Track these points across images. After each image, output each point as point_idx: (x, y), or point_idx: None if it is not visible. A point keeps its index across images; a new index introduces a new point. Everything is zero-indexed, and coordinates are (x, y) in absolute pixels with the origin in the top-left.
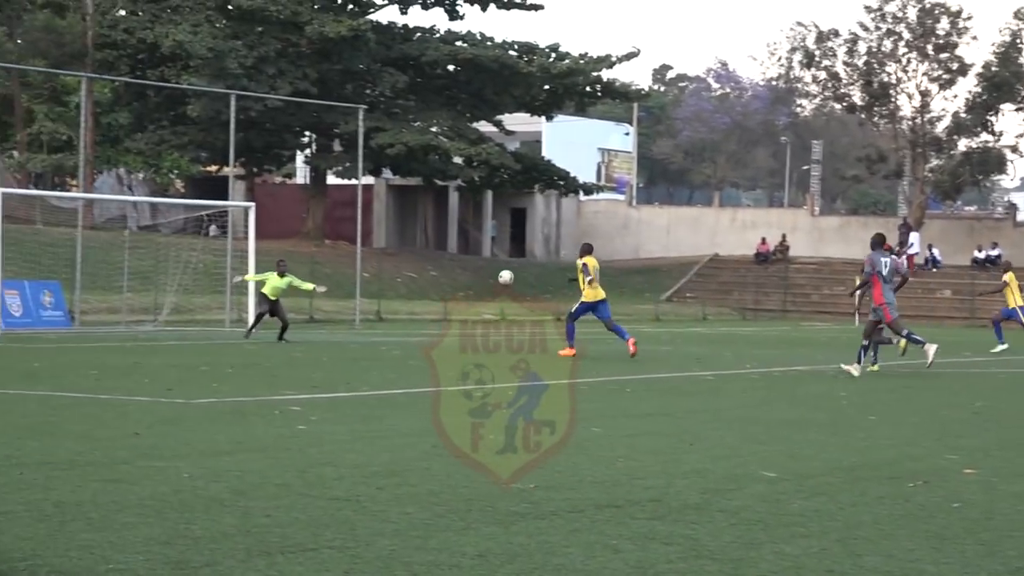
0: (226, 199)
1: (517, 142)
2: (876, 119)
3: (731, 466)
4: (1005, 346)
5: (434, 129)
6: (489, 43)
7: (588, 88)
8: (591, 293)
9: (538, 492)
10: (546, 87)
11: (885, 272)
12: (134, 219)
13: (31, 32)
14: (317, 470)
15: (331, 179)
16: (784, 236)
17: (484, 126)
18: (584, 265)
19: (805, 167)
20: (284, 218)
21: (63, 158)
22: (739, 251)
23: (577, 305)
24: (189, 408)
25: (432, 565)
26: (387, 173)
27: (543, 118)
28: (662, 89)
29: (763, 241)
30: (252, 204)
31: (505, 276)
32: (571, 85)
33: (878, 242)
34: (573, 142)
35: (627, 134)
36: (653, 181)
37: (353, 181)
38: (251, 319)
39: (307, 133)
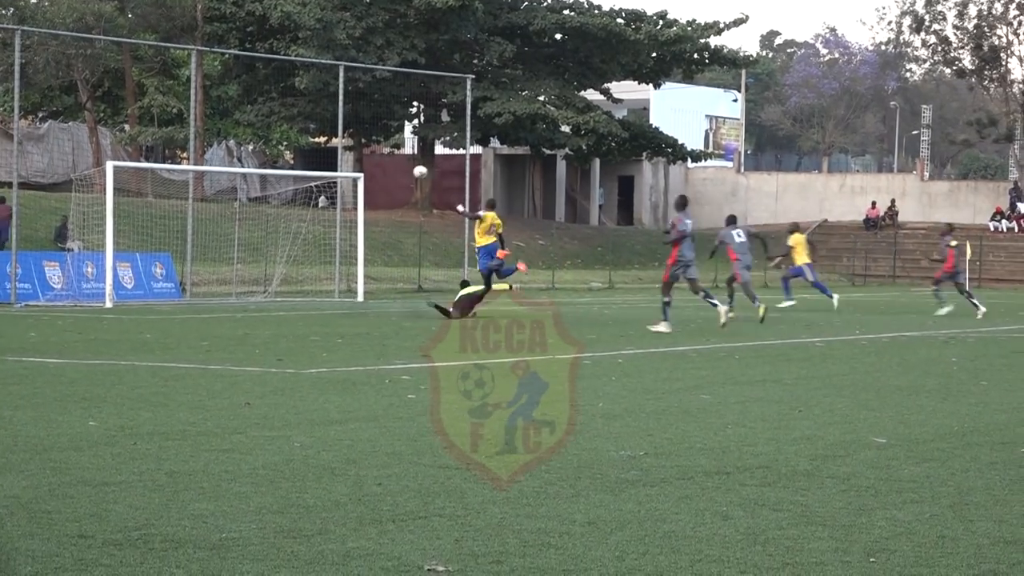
0: (335, 170)
1: (625, 110)
2: (986, 83)
3: (841, 432)
4: (793, 302)
5: (541, 98)
6: (596, 11)
7: (696, 55)
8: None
9: (647, 459)
10: (654, 54)
11: (738, 242)
12: (244, 191)
13: (141, 6)
14: (427, 439)
15: (439, 149)
16: (893, 201)
17: (592, 94)
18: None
19: (914, 132)
20: (392, 189)
21: (173, 131)
22: (848, 217)
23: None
24: (299, 378)
25: (542, 532)
26: (495, 142)
27: (651, 86)
28: (770, 55)
29: (873, 205)
30: (361, 175)
31: (417, 171)
32: (679, 52)
33: (681, 204)
34: (681, 109)
35: (735, 101)
36: (761, 148)
37: (461, 151)
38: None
39: (415, 103)
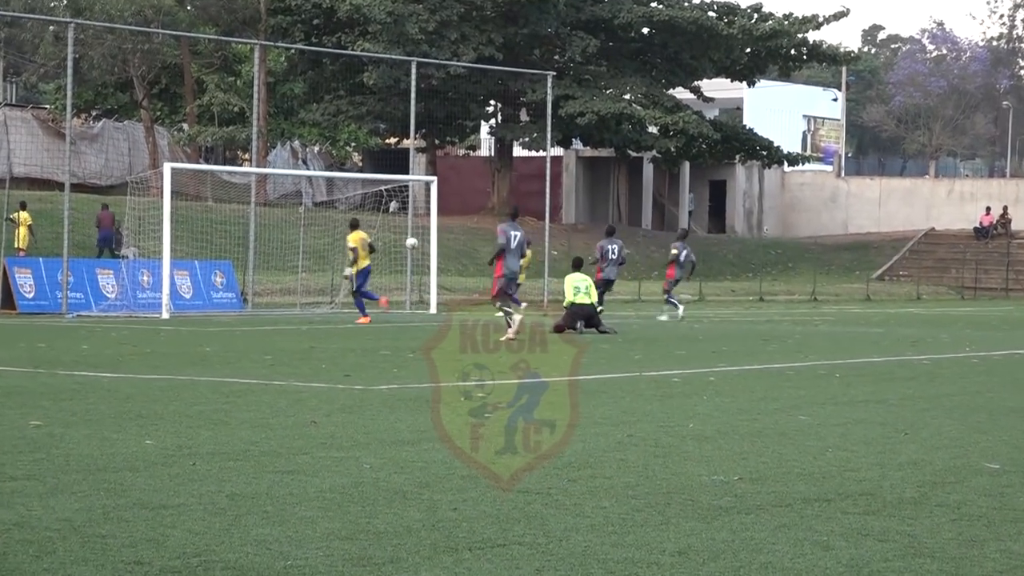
0: (406, 173)
1: (716, 110)
2: None
3: (951, 457)
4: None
5: (627, 96)
6: (686, 4)
7: (793, 51)
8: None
9: (742, 485)
10: (748, 50)
11: (514, 245)
12: (309, 195)
13: None
14: (506, 461)
15: (517, 151)
16: (1006, 209)
17: (681, 93)
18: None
19: None
20: (467, 193)
21: (235, 131)
22: (956, 225)
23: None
24: (369, 395)
25: (629, 563)
26: (577, 144)
27: (744, 84)
28: (873, 51)
29: (987, 211)
30: (434, 178)
31: (409, 243)
32: (774, 48)
33: (511, 214)
34: (776, 109)
35: (835, 100)
36: (863, 150)
37: (541, 153)
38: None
39: (492, 102)
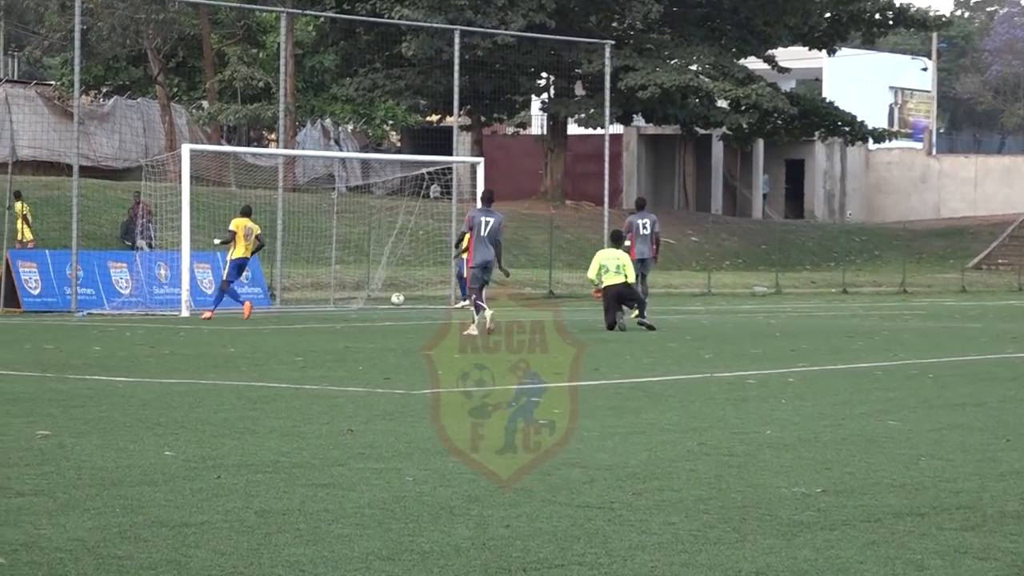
0: (449, 153)
1: (793, 81)
2: None
3: None
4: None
5: (694, 67)
6: None
7: (878, 15)
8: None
9: (825, 497)
10: (827, 15)
11: (484, 232)
12: (343, 179)
13: None
14: (563, 472)
15: (572, 128)
16: None
17: (753, 63)
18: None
19: None
20: (517, 175)
21: (259, 108)
22: None
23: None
24: (411, 400)
25: None
26: (639, 120)
27: (824, 52)
28: (966, 15)
29: None
30: (480, 159)
31: (395, 298)
32: (857, 12)
33: (485, 198)
34: (860, 80)
35: (924, 70)
36: (957, 125)
37: (599, 130)
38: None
39: (544, 74)
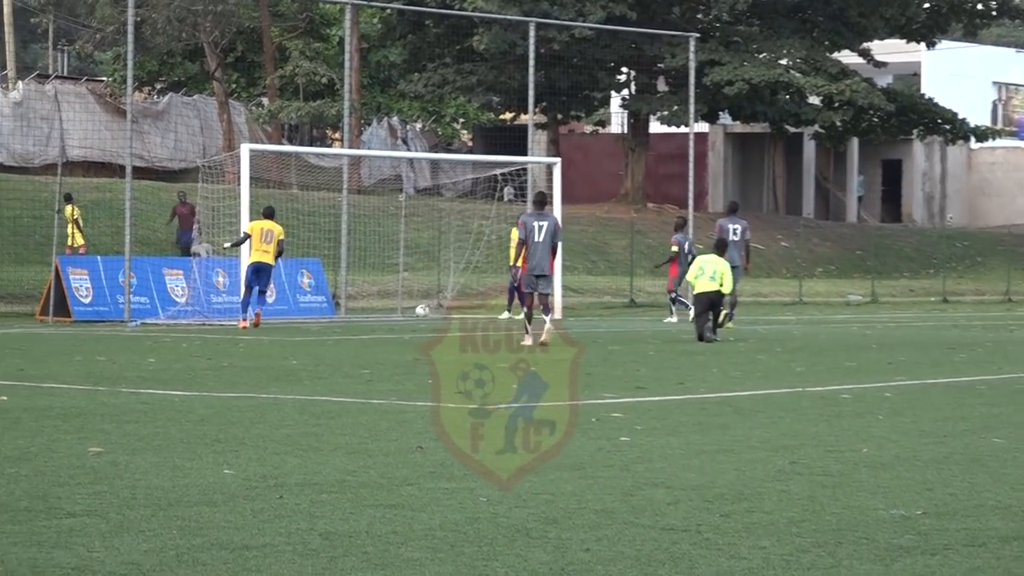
0: (524, 153)
1: (890, 76)
2: None
3: None
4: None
5: (784, 61)
6: None
7: (980, 6)
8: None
9: (926, 520)
10: (926, 5)
11: (539, 237)
12: (411, 180)
13: None
14: (646, 493)
15: (654, 126)
16: None
17: (848, 57)
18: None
19: None
20: (596, 176)
21: (322, 106)
22: None
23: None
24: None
25: None
26: (725, 118)
27: (922, 45)
28: None
29: None
30: (557, 160)
31: (420, 311)
32: (959, 2)
33: (537, 201)
34: (961, 75)
35: None
36: None
37: (683, 129)
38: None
39: (624, 69)
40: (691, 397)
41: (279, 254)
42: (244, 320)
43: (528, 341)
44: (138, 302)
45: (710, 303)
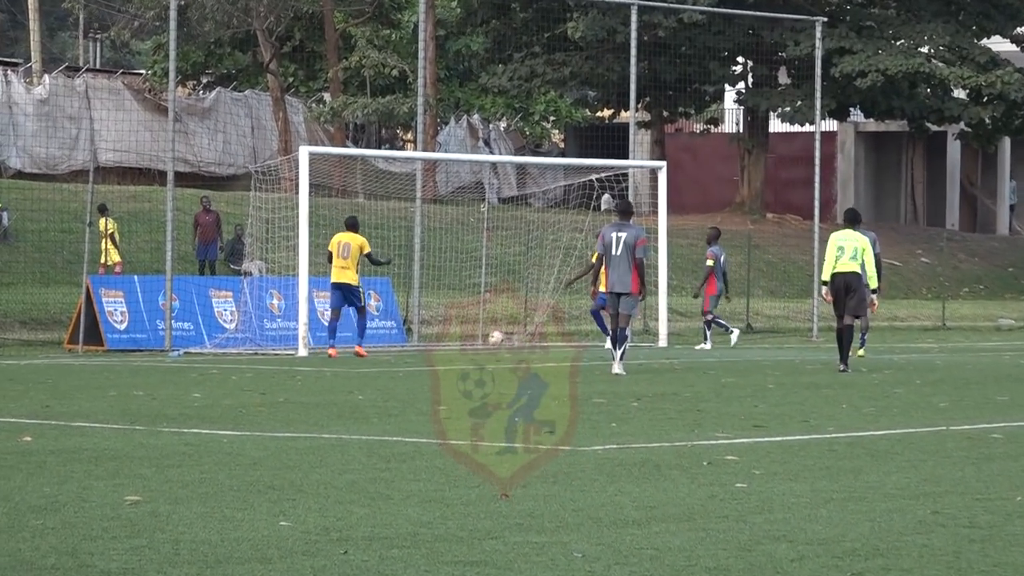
0: (624, 156)
1: None
2: None
3: None
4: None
5: (925, 49)
6: None
7: None
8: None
9: None
10: None
11: (617, 251)
12: (494, 188)
13: None
14: (766, 547)
15: (775, 125)
16: None
17: (998, 44)
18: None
19: None
20: (707, 182)
21: (393, 102)
22: None
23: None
24: (578, 459)
25: None
26: (856, 115)
27: None
28: None
29: None
30: (663, 163)
31: (494, 337)
32: None
33: (621, 209)
34: None
35: None
36: None
37: (808, 127)
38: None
39: (740, 59)
40: (817, 437)
41: (381, 263)
42: (333, 347)
43: (618, 369)
44: (181, 328)
45: (846, 286)
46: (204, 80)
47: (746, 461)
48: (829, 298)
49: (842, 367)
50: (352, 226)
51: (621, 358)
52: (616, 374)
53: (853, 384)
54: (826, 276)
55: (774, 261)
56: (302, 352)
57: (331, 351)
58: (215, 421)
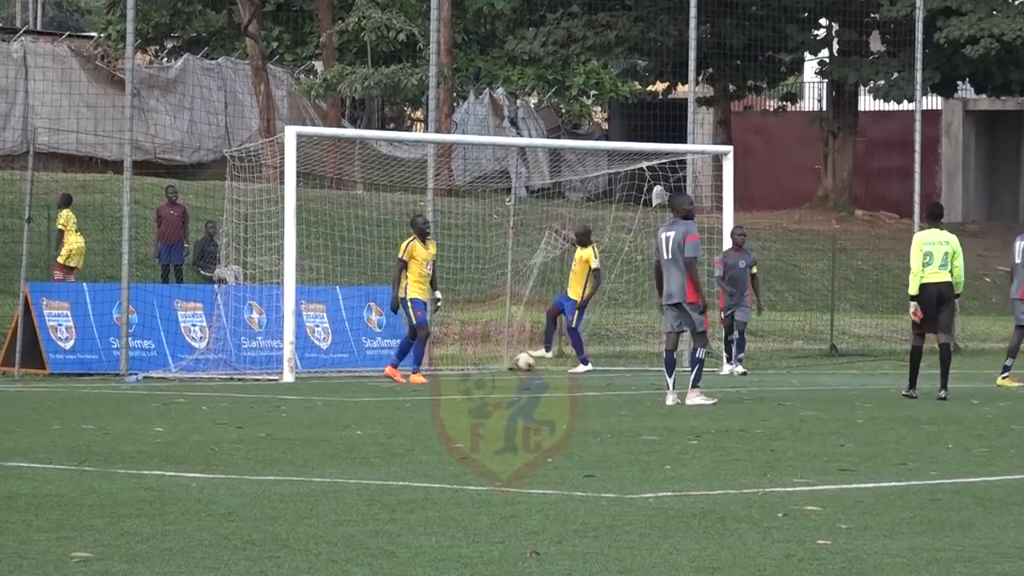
0: (682, 140)
1: None
2: None
3: None
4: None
5: None
6: None
7: None
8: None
9: None
10: None
11: (668, 254)
12: (522, 176)
13: None
14: None
15: (866, 102)
16: None
17: None
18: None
19: None
20: (782, 171)
21: (399, 72)
22: None
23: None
24: (626, 507)
25: None
26: (966, 90)
27: None
28: None
29: None
30: (729, 148)
31: (522, 360)
32: None
33: (676, 204)
34: None
35: None
36: None
37: (906, 105)
38: None
39: (823, 22)
40: (917, 483)
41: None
42: (417, 372)
43: (671, 400)
44: (140, 348)
45: (939, 298)
46: (169, 45)
47: (830, 513)
48: (919, 316)
49: (912, 392)
50: (425, 231)
51: (694, 383)
52: (671, 405)
53: (960, 419)
54: (913, 289)
55: (864, 268)
56: (288, 377)
57: (415, 377)
58: (181, 461)
